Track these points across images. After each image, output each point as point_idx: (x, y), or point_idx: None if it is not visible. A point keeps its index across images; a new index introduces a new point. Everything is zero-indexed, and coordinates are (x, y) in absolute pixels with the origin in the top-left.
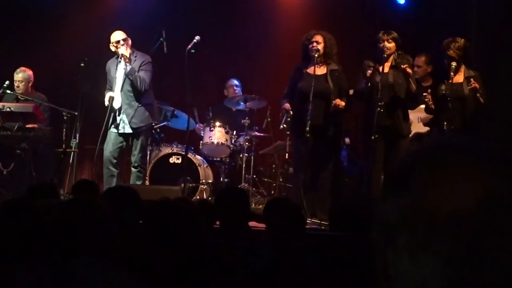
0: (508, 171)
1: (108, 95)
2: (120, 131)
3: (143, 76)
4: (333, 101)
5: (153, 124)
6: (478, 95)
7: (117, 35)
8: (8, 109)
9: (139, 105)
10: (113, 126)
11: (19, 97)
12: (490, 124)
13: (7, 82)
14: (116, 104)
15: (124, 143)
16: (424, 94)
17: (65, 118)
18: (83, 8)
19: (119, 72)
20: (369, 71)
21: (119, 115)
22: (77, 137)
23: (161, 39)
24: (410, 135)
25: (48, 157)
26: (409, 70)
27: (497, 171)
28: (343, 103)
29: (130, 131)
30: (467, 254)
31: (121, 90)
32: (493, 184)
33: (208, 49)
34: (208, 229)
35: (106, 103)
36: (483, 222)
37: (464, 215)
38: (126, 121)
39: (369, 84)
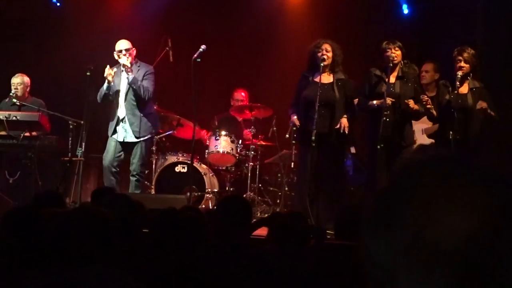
0: (501, 192)
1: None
2: (121, 140)
3: (146, 85)
4: (341, 121)
5: (154, 133)
6: (489, 111)
7: (121, 45)
8: (14, 118)
9: (142, 114)
10: (114, 134)
11: (17, 102)
12: (498, 136)
13: (13, 91)
14: (121, 114)
15: (123, 152)
16: (422, 96)
17: (71, 126)
18: (88, 17)
19: (122, 82)
20: (376, 102)
21: (122, 124)
22: (83, 146)
23: (167, 48)
24: (414, 146)
25: (54, 166)
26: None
27: (490, 193)
28: (347, 125)
29: (132, 140)
30: (469, 280)
31: (125, 100)
32: (487, 207)
33: (214, 58)
34: (213, 238)
35: (107, 71)
36: (482, 246)
37: (462, 242)
38: (129, 130)
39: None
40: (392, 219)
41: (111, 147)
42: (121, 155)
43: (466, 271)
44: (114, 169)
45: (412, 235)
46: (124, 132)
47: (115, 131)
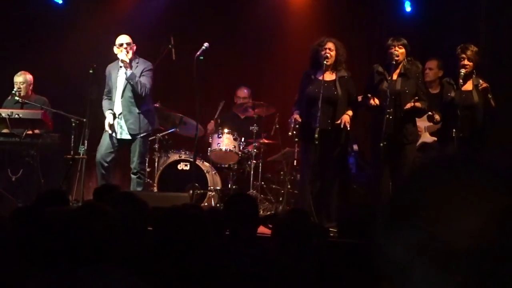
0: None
1: (108, 120)
2: (117, 137)
3: (144, 81)
4: (342, 118)
5: (150, 131)
6: (489, 96)
7: (122, 38)
8: (16, 115)
9: (139, 111)
10: (109, 130)
11: (20, 100)
12: (499, 133)
13: (15, 89)
14: (117, 110)
15: (119, 149)
16: (429, 115)
17: (73, 124)
18: (92, 14)
19: (120, 78)
20: (372, 101)
21: (118, 120)
22: (86, 144)
23: (170, 45)
24: (418, 145)
25: (57, 164)
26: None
27: (502, 188)
28: (349, 120)
29: (128, 137)
30: (483, 278)
31: (122, 96)
32: (501, 206)
33: (216, 55)
34: (218, 236)
35: (107, 128)
36: (495, 245)
37: (476, 240)
38: (125, 127)
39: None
40: (407, 218)
41: (105, 141)
42: (114, 151)
43: (480, 270)
44: (106, 164)
45: (427, 234)
46: (120, 129)
47: (110, 126)
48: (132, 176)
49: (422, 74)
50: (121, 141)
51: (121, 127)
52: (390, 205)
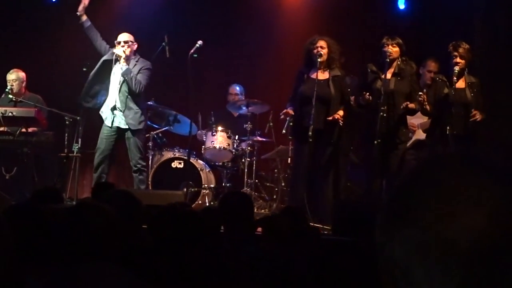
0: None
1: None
2: (114, 125)
3: (139, 78)
4: (334, 115)
5: (145, 127)
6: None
7: (121, 36)
8: (10, 113)
9: (137, 108)
10: (105, 126)
11: (13, 99)
12: (498, 133)
13: (8, 87)
14: (111, 103)
15: (115, 143)
16: (419, 94)
17: (67, 122)
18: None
19: (117, 73)
20: (366, 97)
21: (116, 111)
22: (79, 142)
23: (164, 43)
24: (411, 142)
25: (51, 162)
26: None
27: (502, 187)
28: (341, 116)
29: (126, 127)
30: (484, 277)
31: (120, 91)
32: (502, 205)
33: (210, 53)
34: (213, 234)
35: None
36: (497, 244)
37: (478, 240)
38: (123, 118)
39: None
40: (407, 217)
41: (102, 144)
42: (111, 152)
43: (480, 269)
44: (107, 166)
45: (427, 234)
46: (118, 118)
47: (108, 118)
48: (134, 174)
49: (415, 75)
50: (118, 131)
51: (119, 117)
52: (389, 204)
